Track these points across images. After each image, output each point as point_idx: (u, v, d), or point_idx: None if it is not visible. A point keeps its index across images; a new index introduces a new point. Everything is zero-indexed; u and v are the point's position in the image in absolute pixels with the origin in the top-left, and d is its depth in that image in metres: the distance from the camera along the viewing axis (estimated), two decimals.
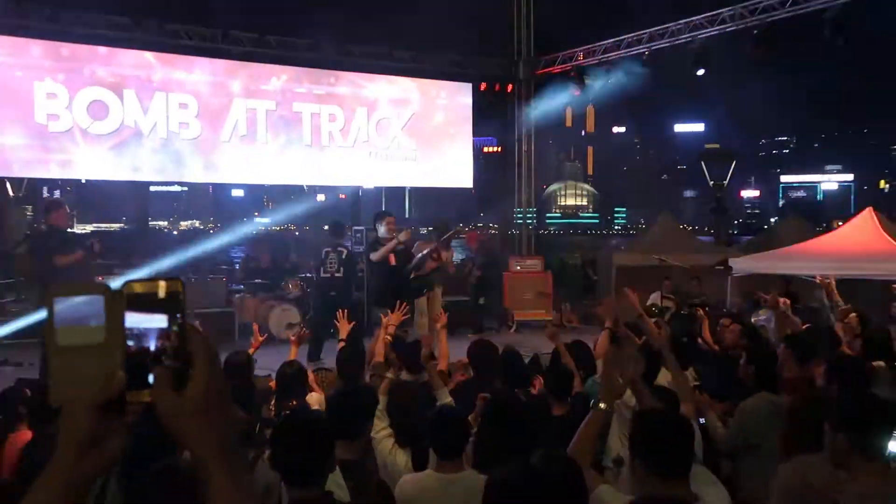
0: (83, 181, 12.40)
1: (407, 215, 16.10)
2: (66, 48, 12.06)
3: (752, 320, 9.03)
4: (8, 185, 12.75)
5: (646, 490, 2.51)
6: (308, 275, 13.48)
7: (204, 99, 13.13)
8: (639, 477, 2.59)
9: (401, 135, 14.92)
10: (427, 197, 16.22)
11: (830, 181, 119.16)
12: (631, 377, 3.01)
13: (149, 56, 12.74)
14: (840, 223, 16.91)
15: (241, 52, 13.72)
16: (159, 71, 12.80)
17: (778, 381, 4.60)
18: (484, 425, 3.75)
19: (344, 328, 6.00)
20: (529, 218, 17.81)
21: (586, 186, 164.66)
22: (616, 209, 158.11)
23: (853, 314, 7.33)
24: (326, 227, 12.57)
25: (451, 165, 15.68)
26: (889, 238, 10.54)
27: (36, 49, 11.83)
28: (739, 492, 4.00)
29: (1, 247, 12.21)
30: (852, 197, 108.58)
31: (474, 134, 16.12)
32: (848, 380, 4.55)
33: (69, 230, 9.47)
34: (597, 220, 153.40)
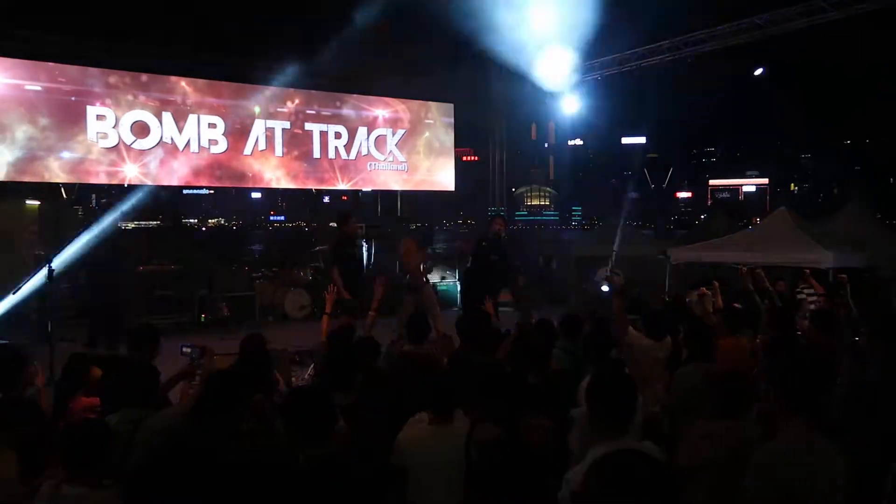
0: (125, 185, 12.32)
1: (399, 213, 16.07)
2: (113, 76, 11.96)
3: (687, 300, 9.16)
4: (62, 190, 12.58)
5: (594, 432, 2.68)
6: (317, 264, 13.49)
7: (230, 119, 13.06)
8: (593, 423, 2.75)
9: (395, 149, 14.92)
10: (415, 198, 16.19)
11: (749, 184, 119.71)
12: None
13: (184, 83, 12.66)
14: (758, 220, 17.05)
15: (261, 78, 13.47)
16: (192, 96, 12.72)
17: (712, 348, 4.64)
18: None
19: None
20: (501, 215, 17.76)
21: (548, 189, 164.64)
22: (573, 208, 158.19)
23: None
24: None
25: (436, 172, 15.64)
26: (800, 231, 10.66)
27: (88, 77, 11.74)
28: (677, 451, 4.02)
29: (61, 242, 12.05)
30: (767, 198, 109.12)
31: (455, 146, 16.10)
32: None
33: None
34: (557, 217, 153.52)
